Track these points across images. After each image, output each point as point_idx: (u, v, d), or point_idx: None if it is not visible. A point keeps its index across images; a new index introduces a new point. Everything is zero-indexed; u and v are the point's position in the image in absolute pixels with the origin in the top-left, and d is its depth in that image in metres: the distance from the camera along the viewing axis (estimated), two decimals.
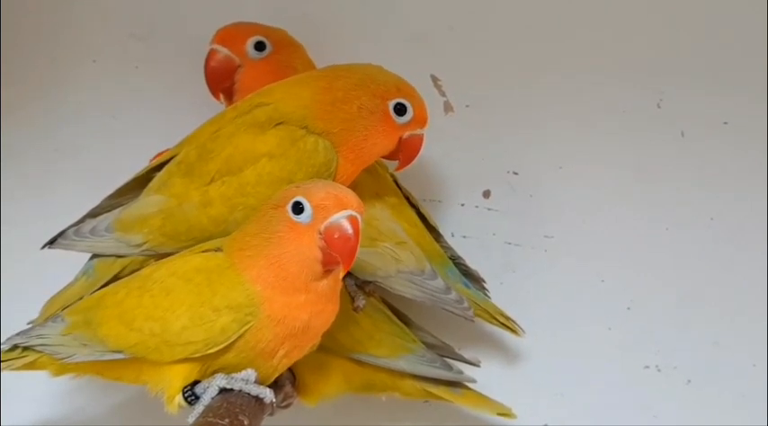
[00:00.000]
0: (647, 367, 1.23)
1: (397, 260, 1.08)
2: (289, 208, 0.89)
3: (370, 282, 1.09)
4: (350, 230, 0.88)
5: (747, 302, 1.21)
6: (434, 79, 1.23)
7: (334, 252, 0.88)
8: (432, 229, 1.14)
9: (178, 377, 0.92)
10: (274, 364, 0.94)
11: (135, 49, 1.25)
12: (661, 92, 1.21)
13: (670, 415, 1.22)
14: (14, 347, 0.99)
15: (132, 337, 0.93)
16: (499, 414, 1.15)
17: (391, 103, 0.99)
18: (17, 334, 1.00)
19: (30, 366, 1.00)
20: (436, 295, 1.09)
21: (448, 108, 1.23)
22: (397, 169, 1.04)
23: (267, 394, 0.94)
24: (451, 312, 1.10)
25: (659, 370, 1.23)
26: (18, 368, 1.00)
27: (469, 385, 1.14)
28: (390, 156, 1.03)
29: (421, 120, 1.01)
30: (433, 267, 1.10)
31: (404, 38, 1.23)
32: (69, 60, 1.25)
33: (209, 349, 0.90)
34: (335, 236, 0.88)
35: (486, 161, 1.23)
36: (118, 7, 1.25)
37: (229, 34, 1.10)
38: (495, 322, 1.15)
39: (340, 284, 0.94)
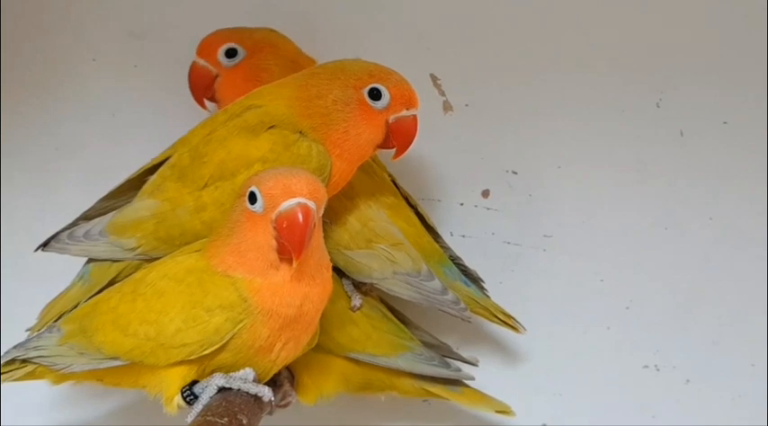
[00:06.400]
0: (645, 366, 1.23)
1: (392, 261, 1.07)
2: (246, 197, 0.89)
3: (366, 283, 1.09)
4: (298, 218, 0.86)
5: (746, 302, 1.22)
6: (434, 78, 1.23)
7: (284, 241, 0.87)
8: (430, 229, 1.14)
9: (176, 378, 0.92)
10: (272, 358, 0.94)
11: (134, 48, 1.25)
12: (660, 91, 1.21)
13: (669, 415, 1.23)
14: (13, 360, 1.00)
15: (128, 342, 0.93)
16: (498, 412, 1.15)
17: (365, 90, 0.98)
18: (15, 347, 1.00)
19: (29, 376, 1.01)
20: (433, 296, 1.08)
21: (447, 107, 1.23)
22: (395, 157, 1.02)
23: (266, 393, 0.94)
24: (448, 313, 1.10)
25: (658, 370, 1.23)
26: (18, 379, 1.01)
27: (468, 382, 1.14)
28: (386, 145, 1.01)
29: (403, 101, 0.99)
30: (431, 266, 1.10)
31: (404, 38, 1.23)
32: (69, 59, 1.25)
33: (205, 350, 0.90)
34: (284, 226, 0.86)
35: (486, 160, 1.23)
36: (117, 6, 1.25)
37: (205, 44, 1.12)
38: (495, 319, 1.15)
39: (323, 268, 0.93)
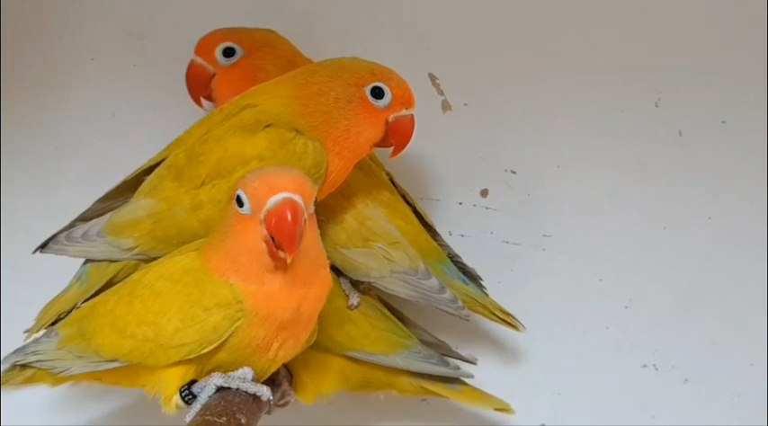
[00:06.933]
0: (644, 366, 1.23)
1: (390, 260, 1.07)
2: (234, 200, 0.88)
3: (364, 281, 1.09)
4: (286, 213, 0.85)
5: (745, 301, 1.21)
6: (432, 78, 1.23)
7: (276, 238, 0.85)
8: (428, 227, 1.14)
9: (174, 378, 0.92)
10: (270, 357, 0.93)
11: (133, 48, 1.25)
12: (659, 91, 1.21)
13: (667, 414, 1.22)
14: (12, 365, 1.00)
15: (126, 344, 0.92)
16: (497, 410, 1.15)
17: (367, 88, 0.98)
18: (13, 353, 1.00)
19: (28, 381, 1.01)
20: (430, 294, 1.08)
21: (446, 107, 1.23)
22: (392, 156, 1.03)
23: (264, 392, 0.94)
24: (446, 311, 1.10)
25: (657, 369, 1.23)
26: (17, 385, 1.01)
27: (466, 381, 1.14)
28: (384, 144, 1.02)
29: (404, 100, 1.00)
30: (429, 265, 1.10)
31: (402, 37, 1.23)
32: (68, 58, 1.25)
33: (204, 348, 0.90)
34: (273, 223, 0.85)
35: (484, 160, 1.23)
36: (117, 6, 1.25)
37: (203, 43, 1.12)
38: (494, 317, 1.14)
39: (320, 266, 0.92)
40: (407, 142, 1.01)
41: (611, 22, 1.21)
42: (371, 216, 1.08)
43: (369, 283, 1.09)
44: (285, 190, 0.86)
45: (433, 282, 1.09)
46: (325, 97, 0.98)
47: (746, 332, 1.21)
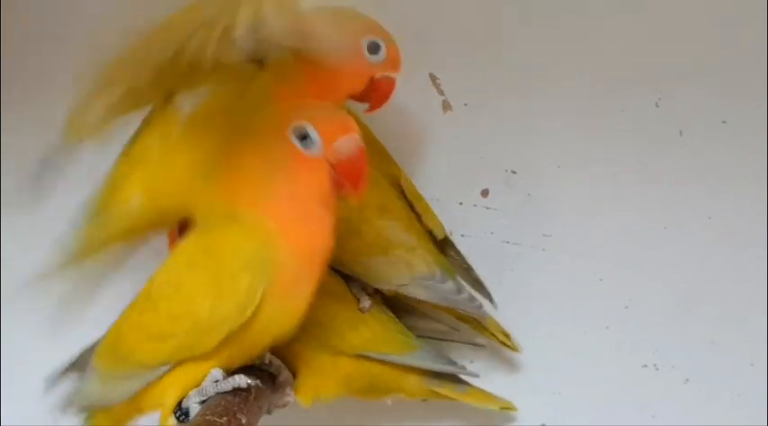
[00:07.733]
0: (645, 366, 1.23)
1: (409, 266, 1.08)
2: (292, 136, 0.86)
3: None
4: (360, 155, 0.86)
5: (746, 301, 1.21)
6: (433, 78, 1.23)
7: (347, 179, 0.86)
8: (437, 245, 1.14)
9: (174, 390, 0.91)
10: (300, 295, 0.90)
11: None
12: (659, 91, 1.21)
13: (668, 414, 1.22)
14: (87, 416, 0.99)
15: (168, 346, 0.89)
16: (503, 408, 1.17)
17: (365, 41, 0.98)
18: (69, 405, 0.99)
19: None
20: (449, 296, 1.09)
21: (446, 107, 1.23)
22: (368, 111, 1.03)
23: (241, 381, 0.92)
24: (465, 311, 1.11)
25: (657, 369, 1.23)
26: None
27: (471, 381, 1.15)
28: (361, 98, 1.01)
29: (394, 62, 1.00)
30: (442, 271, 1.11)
31: (403, 37, 1.23)
32: (68, 59, 1.25)
33: (245, 313, 0.86)
34: (347, 164, 0.86)
35: (485, 160, 1.23)
36: (117, 6, 1.25)
37: None
38: (494, 338, 1.16)
39: None
40: (384, 102, 1.02)
41: (611, 23, 1.21)
42: (387, 226, 1.08)
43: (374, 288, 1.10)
44: (354, 130, 0.86)
45: (450, 285, 1.10)
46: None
47: (746, 332, 1.21)
